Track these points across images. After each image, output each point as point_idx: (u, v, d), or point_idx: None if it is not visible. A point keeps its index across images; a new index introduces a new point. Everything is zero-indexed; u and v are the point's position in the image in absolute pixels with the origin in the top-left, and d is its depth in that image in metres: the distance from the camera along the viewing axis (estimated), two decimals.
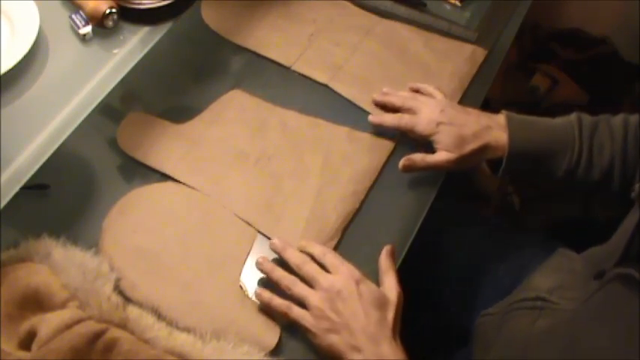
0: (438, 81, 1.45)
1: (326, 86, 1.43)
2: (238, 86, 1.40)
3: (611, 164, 1.24)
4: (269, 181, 1.27)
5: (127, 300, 1.07)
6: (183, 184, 1.25)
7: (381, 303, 1.09)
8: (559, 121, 1.29)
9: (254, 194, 1.26)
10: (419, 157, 1.28)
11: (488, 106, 1.44)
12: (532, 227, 2.16)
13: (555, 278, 1.19)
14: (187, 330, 1.05)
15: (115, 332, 1.00)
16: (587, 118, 1.28)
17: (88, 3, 1.33)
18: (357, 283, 1.09)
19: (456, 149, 1.26)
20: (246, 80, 1.42)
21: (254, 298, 1.13)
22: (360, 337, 1.04)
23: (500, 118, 1.30)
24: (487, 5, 1.63)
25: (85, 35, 1.34)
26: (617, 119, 1.28)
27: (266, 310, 1.11)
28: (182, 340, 1.03)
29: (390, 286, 1.13)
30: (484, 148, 1.26)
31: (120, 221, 1.20)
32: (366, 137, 1.36)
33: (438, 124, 1.27)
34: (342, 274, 1.11)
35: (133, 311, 1.04)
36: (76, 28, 1.34)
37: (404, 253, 1.22)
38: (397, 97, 1.35)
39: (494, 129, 1.28)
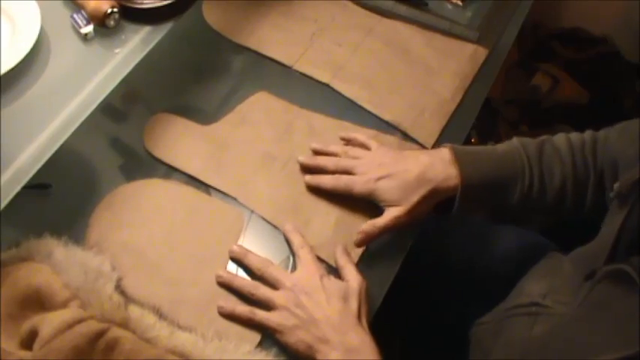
0: (439, 80, 1.45)
1: (327, 85, 1.42)
2: (264, 88, 1.40)
3: (563, 186, 1.22)
4: (296, 184, 1.27)
5: (129, 299, 1.07)
6: (211, 186, 1.26)
7: (344, 293, 1.09)
8: (504, 148, 1.26)
9: (281, 197, 1.26)
10: (369, 227, 1.20)
11: (490, 105, 1.44)
12: (530, 227, 2.17)
13: (546, 282, 1.18)
14: (189, 329, 1.05)
15: (116, 332, 1.00)
16: (530, 143, 1.25)
17: (90, 2, 1.34)
18: (321, 277, 1.11)
19: (403, 202, 1.20)
20: (247, 79, 1.42)
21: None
22: (326, 328, 1.05)
23: (444, 153, 1.24)
24: (488, 5, 1.63)
25: (86, 35, 1.34)
26: (560, 140, 1.26)
27: (234, 320, 1.11)
28: (183, 340, 1.03)
29: (351, 277, 1.13)
30: (433, 192, 1.21)
31: (106, 217, 1.20)
32: (393, 140, 1.36)
33: (377, 179, 1.21)
34: (305, 270, 1.13)
35: (134, 311, 1.04)
36: (77, 27, 1.34)
37: (400, 262, 1.23)
38: (329, 161, 1.28)
39: (438, 165, 1.22)
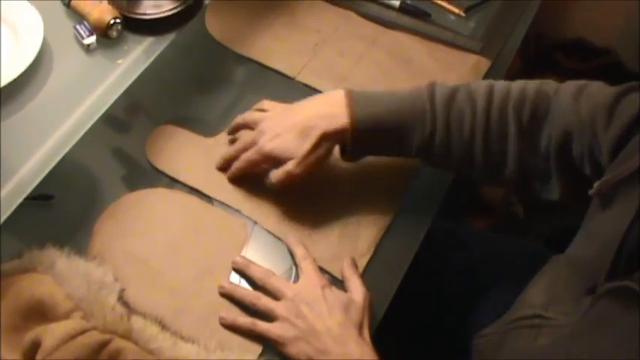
0: None
1: None
2: (267, 99, 1.38)
3: (472, 140, 1.18)
4: (300, 195, 1.26)
5: (131, 310, 1.06)
6: (213, 198, 1.26)
7: (346, 305, 1.09)
8: (407, 91, 1.21)
9: (284, 208, 1.25)
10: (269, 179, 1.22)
11: None
12: (535, 236, 2.16)
13: (547, 292, 1.17)
14: (192, 340, 1.05)
15: (119, 343, 1.00)
16: (442, 87, 1.20)
17: (93, 13, 1.34)
18: (323, 288, 1.10)
19: (295, 154, 1.18)
20: (250, 91, 1.42)
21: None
22: (326, 339, 1.05)
23: (337, 94, 1.21)
24: (491, 15, 1.63)
25: (89, 45, 1.34)
26: (480, 87, 1.20)
27: (235, 331, 1.10)
28: (186, 351, 1.03)
29: (355, 289, 1.13)
30: (323, 137, 1.18)
31: (110, 225, 1.20)
32: None
33: (268, 142, 1.20)
34: (307, 281, 1.13)
35: (137, 321, 1.04)
36: (80, 38, 1.34)
37: (403, 273, 1.22)
38: (232, 149, 1.28)
39: (324, 109, 1.20)
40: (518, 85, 1.20)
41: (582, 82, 1.18)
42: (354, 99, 1.19)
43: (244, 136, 1.27)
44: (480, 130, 1.17)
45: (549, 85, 1.20)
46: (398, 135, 1.19)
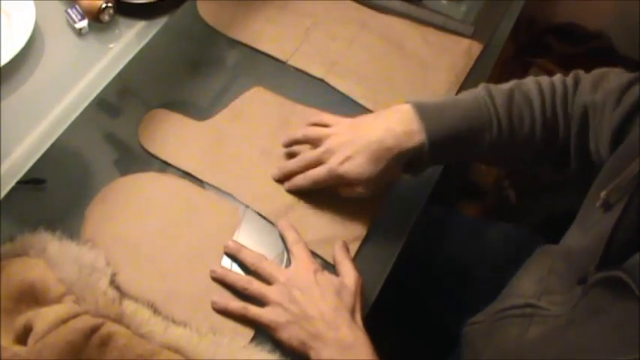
0: (434, 75, 1.45)
1: (322, 80, 1.43)
2: (258, 83, 1.41)
3: (532, 133, 1.19)
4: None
5: (123, 294, 1.07)
6: (205, 182, 1.26)
7: (338, 289, 1.09)
8: (469, 98, 1.21)
9: (276, 193, 1.25)
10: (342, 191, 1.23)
11: None
12: (527, 221, 2.17)
13: (539, 281, 1.16)
14: (184, 324, 1.05)
15: (110, 327, 1.00)
16: (499, 90, 1.21)
17: None
18: (315, 272, 1.11)
19: (370, 175, 1.18)
20: (241, 74, 1.42)
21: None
22: (319, 324, 1.05)
23: (405, 110, 1.20)
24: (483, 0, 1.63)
25: (81, 29, 1.34)
26: (531, 86, 1.22)
27: (227, 315, 1.11)
28: (178, 335, 1.03)
29: (347, 273, 1.13)
30: (397, 156, 1.18)
31: (102, 209, 1.20)
32: None
33: (340, 164, 1.19)
34: (299, 265, 1.13)
35: (128, 306, 1.04)
36: (72, 22, 1.34)
37: (394, 259, 1.22)
38: (294, 164, 1.26)
39: (397, 126, 1.18)
40: (559, 79, 1.23)
41: (605, 69, 1.21)
42: (424, 113, 1.18)
43: (306, 152, 1.26)
44: (538, 124, 1.19)
45: (580, 74, 1.23)
46: (469, 142, 1.19)
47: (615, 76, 1.17)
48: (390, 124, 1.19)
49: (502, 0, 1.64)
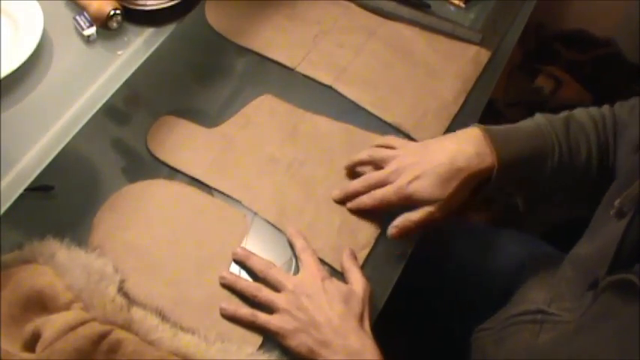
0: (441, 82, 1.45)
1: (330, 87, 1.43)
2: (267, 91, 1.41)
3: (589, 159, 1.21)
4: (300, 187, 1.27)
5: (131, 301, 1.07)
6: (214, 189, 1.26)
7: (346, 297, 1.09)
8: (532, 125, 1.23)
9: (285, 201, 1.25)
10: (404, 220, 1.19)
11: (493, 107, 1.44)
12: (535, 228, 2.16)
13: (549, 288, 1.16)
14: (192, 331, 1.05)
15: (119, 334, 1.00)
16: (555, 119, 1.23)
17: (92, 4, 1.33)
18: (323, 280, 1.10)
19: (440, 196, 1.17)
20: (250, 82, 1.42)
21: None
22: (327, 331, 1.05)
23: (475, 133, 1.21)
24: (491, 6, 1.63)
25: (89, 36, 1.34)
26: (582, 115, 1.25)
27: (236, 322, 1.11)
28: (186, 342, 1.03)
29: (355, 280, 1.13)
30: (468, 178, 1.18)
31: (110, 217, 1.20)
32: None
33: (409, 183, 1.18)
34: (307, 272, 1.13)
35: (137, 312, 1.04)
36: (80, 29, 1.34)
37: (402, 266, 1.22)
38: (358, 184, 1.24)
39: (467, 148, 1.19)
40: (608, 109, 1.25)
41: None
42: (494, 137, 1.19)
43: (372, 172, 1.25)
44: (594, 151, 1.21)
45: (625, 104, 1.25)
46: (534, 165, 1.20)
47: None
48: (461, 146, 1.19)
49: (510, 7, 1.63)
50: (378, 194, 1.21)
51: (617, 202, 0.98)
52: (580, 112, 1.25)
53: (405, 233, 1.19)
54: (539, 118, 1.24)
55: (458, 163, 1.17)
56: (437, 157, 1.19)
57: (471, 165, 1.17)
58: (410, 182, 1.17)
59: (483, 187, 1.21)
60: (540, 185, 1.23)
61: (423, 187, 1.17)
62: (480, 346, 1.28)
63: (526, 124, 1.24)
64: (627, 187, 0.98)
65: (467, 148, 1.19)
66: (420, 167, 1.18)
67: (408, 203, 1.19)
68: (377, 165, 1.24)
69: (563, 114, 1.25)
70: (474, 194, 1.22)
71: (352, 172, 1.29)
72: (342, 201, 1.25)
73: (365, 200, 1.22)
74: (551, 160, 1.19)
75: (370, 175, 1.24)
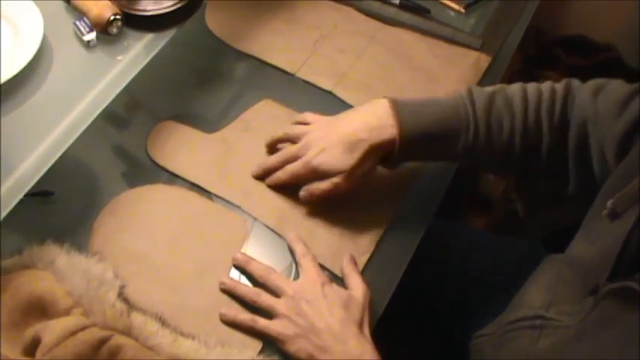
0: (442, 87, 1.45)
1: (330, 93, 1.43)
2: (267, 96, 1.41)
3: (511, 141, 1.19)
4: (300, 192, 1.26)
5: (131, 307, 1.06)
6: (214, 194, 1.26)
7: (346, 302, 1.09)
8: (448, 99, 1.22)
9: (285, 205, 1.25)
10: (312, 187, 1.22)
11: None
12: (536, 234, 2.16)
13: (548, 293, 1.16)
14: (192, 337, 1.05)
15: (119, 339, 1.00)
16: (480, 93, 1.21)
17: (93, 9, 1.33)
18: (323, 285, 1.11)
19: (343, 168, 1.19)
20: (250, 87, 1.42)
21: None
22: (326, 337, 1.05)
23: (382, 104, 1.21)
24: (491, 12, 1.63)
25: (89, 42, 1.34)
26: (515, 91, 1.22)
27: (235, 327, 1.11)
28: (186, 347, 1.03)
29: (355, 286, 1.13)
30: (371, 149, 1.18)
31: (110, 222, 1.20)
32: None
33: (315, 156, 1.20)
34: (307, 278, 1.13)
35: (137, 318, 1.04)
36: (80, 34, 1.34)
37: (402, 271, 1.22)
38: (274, 159, 1.27)
39: (372, 120, 1.20)
40: (547, 86, 1.22)
41: (604, 79, 1.20)
42: (399, 109, 1.19)
43: (287, 148, 1.27)
44: (518, 133, 1.19)
45: (574, 83, 1.22)
46: (443, 142, 1.20)
47: (616, 87, 1.17)
48: (366, 118, 1.21)
49: (510, 12, 1.63)
50: (289, 168, 1.24)
51: (609, 203, 0.97)
52: (514, 87, 1.23)
53: (315, 200, 1.23)
54: (462, 92, 1.22)
55: (360, 135, 1.18)
56: (342, 130, 1.21)
57: (372, 136, 1.18)
58: (316, 155, 1.20)
59: (393, 158, 1.21)
60: (455, 160, 1.25)
61: (328, 159, 1.19)
62: (479, 352, 1.28)
63: (445, 98, 1.23)
64: (620, 187, 0.97)
65: (371, 120, 1.20)
66: (326, 140, 1.21)
67: (316, 175, 1.21)
68: (293, 141, 1.27)
69: (494, 87, 1.24)
70: (386, 164, 1.24)
71: (272, 150, 1.31)
72: (260, 177, 1.28)
73: (280, 175, 1.25)
74: (465, 137, 1.18)
75: (284, 151, 1.27)
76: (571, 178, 1.20)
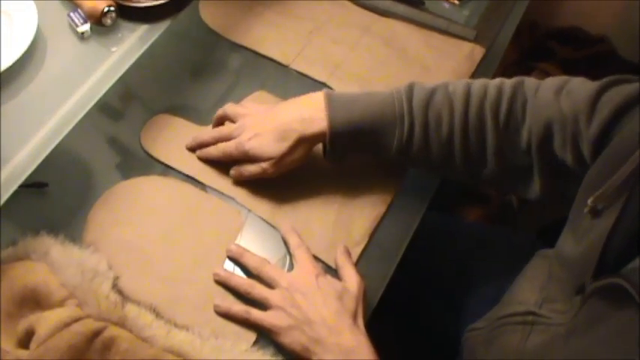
0: (436, 79, 1.44)
1: (324, 84, 1.43)
2: (261, 87, 1.41)
3: (450, 140, 1.18)
4: (294, 183, 1.27)
5: (125, 298, 1.06)
6: (207, 185, 1.26)
7: (340, 294, 1.09)
8: (385, 93, 1.22)
9: (279, 197, 1.25)
10: (240, 168, 1.25)
11: None
12: (529, 227, 2.17)
13: (541, 289, 1.15)
14: (186, 328, 1.05)
15: (113, 331, 1.00)
16: (420, 89, 1.21)
17: (86, 1, 1.33)
18: (317, 276, 1.11)
19: (273, 155, 1.20)
20: (244, 78, 1.42)
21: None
22: (321, 329, 1.05)
23: (317, 97, 1.22)
24: (485, 3, 1.63)
25: (83, 33, 1.34)
26: (458, 87, 1.20)
27: (230, 319, 1.11)
28: (180, 339, 1.03)
29: (349, 277, 1.13)
30: (300, 140, 1.20)
31: (104, 213, 1.20)
32: None
33: (248, 140, 1.21)
34: (301, 269, 1.13)
35: (131, 310, 1.04)
36: (74, 26, 1.34)
37: (397, 263, 1.22)
38: (208, 134, 1.29)
39: (305, 112, 1.21)
40: (495, 83, 1.21)
41: (564, 77, 1.19)
42: (332, 103, 1.20)
43: (223, 127, 1.29)
44: (458, 130, 1.17)
45: (529, 82, 1.20)
46: (374, 138, 1.20)
47: (578, 86, 1.16)
48: (301, 109, 1.22)
49: (504, 4, 1.64)
50: (221, 146, 1.25)
51: (590, 201, 0.96)
52: (457, 83, 1.22)
53: (243, 180, 1.25)
54: (401, 86, 1.22)
55: (292, 125, 1.20)
56: (277, 118, 1.22)
57: (303, 128, 1.19)
58: (249, 139, 1.21)
59: (329, 150, 1.22)
60: (389, 156, 1.22)
61: (259, 144, 1.20)
62: (470, 347, 1.28)
63: (382, 92, 1.23)
64: (599, 185, 0.96)
65: (304, 112, 1.21)
66: (261, 126, 1.22)
67: (246, 158, 1.22)
68: (231, 120, 1.28)
69: (438, 82, 1.23)
70: (328, 156, 1.24)
71: (217, 126, 1.32)
72: (192, 149, 1.29)
73: (211, 151, 1.27)
74: (400, 132, 1.18)
75: (220, 129, 1.29)
76: (535, 178, 1.19)
